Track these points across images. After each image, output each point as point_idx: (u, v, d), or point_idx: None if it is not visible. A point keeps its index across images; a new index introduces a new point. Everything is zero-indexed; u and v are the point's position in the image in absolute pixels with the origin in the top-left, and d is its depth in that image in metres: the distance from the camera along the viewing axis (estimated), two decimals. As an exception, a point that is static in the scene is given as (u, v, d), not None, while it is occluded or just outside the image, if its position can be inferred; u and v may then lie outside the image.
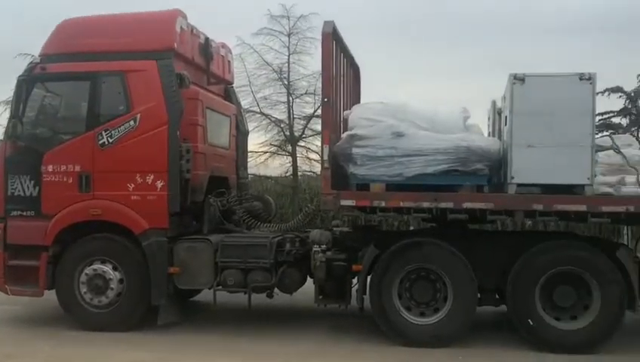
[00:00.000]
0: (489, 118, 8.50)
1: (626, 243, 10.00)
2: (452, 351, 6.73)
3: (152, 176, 7.40)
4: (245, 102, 14.45)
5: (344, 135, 7.27)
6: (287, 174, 16.28)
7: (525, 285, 6.79)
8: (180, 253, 7.45)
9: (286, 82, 15.62)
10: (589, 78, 6.53)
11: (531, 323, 6.75)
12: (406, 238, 7.20)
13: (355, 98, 8.77)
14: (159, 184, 7.38)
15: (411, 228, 11.30)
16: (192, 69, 8.03)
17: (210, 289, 7.57)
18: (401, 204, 6.88)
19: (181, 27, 7.72)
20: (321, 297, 7.40)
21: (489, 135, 8.15)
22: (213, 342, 7.14)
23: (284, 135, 15.94)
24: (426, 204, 6.81)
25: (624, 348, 6.83)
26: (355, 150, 6.96)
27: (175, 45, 7.60)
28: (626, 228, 11.08)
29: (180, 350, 6.82)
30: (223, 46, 9.17)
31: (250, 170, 12.59)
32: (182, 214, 7.62)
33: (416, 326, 6.98)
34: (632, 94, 23.52)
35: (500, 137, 7.51)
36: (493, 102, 8.16)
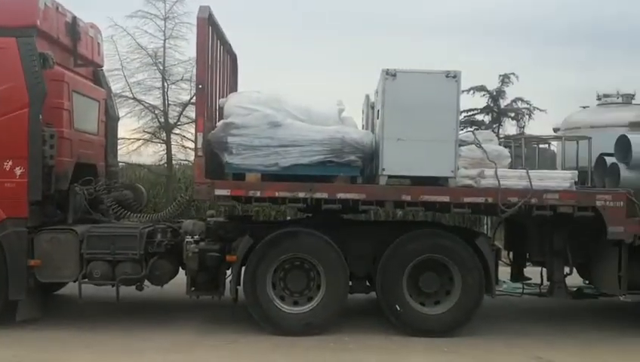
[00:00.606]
0: (363, 112, 8.74)
1: (485, 232, 10.71)
2: (324, 338, 6.88)
3: (10, 162, 6.90)
4: (117, 86, 13.87)
5: (219, 123, 7.17)
6: (162, 162, 15.85)
7: (393, 272, 7.06)
8: (42, 244, 7.01)
9: (161, 67, 15.17)
10: (454, 76, 6.89)
11: (398, 308, 7.05)
12: (281, 228, 7.25)
13: (231, 86, 8.67)
14: (18, 171, 6.90)
15: (288, 218, 11.39)
16: (57, 49, 7.54)
17: (75, 282, 7.19)
18: (277, 194, 6.91)
19: (45, 3, 7.23)
20: (193, 289, 7.26)
21: (363, 128, 8.38)
22: (74, 338, 6.79)
23: (159, 122, 15.49)
24: (301, 194, 6.88)
25: (483, 330, 7.31)
26: (230, 139, 6.88)
27: (37, 22, 7.11)
28: (486, 218, 11.86)
29: (39, 347, 6.43)
30: (92, 26, 8.69)
31: (121, 158, 12.07)
32: (44, 203, 7.15)
33: (290, 315, 7.05)
34: (494, 93, 25.32)
35: (372, 130, 7.75)
36: (367, 97, 8.40)
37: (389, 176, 6.98)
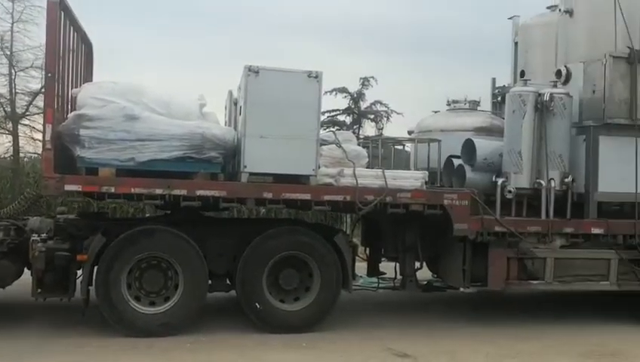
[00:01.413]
0: (226, 108, 8.65)
1: (345, 229, 11.05)
2: (181, 338, 6.72)
3: None
4: (-46, 71, 12.62)
5: (71, 115, 6.76)
6: (7, 155, 14.68)
7: (254, 270, 7.06)
8: None
9: (8, 52, 14.04)
10: (316, 76, 7.02)
11: (258, 306, 7.05)
12: (136, 226, 6.97)
13: (86, 76, 8.20)
14: None
15: (147, 215, 11.00)
16: None
17: None
18: (133, 191, 6.63)
19: None
20: (39, 291, 6.78)
21: (225, 124, 8.29)
22: None
23: (4, 111, 14.33)
24: (158, 191, 6.66)
25: (341, 324, 7.51)
26: (83, 131, 6.51)
27: None
28: (345, 215, 12.22)
29: None
30: None
31: (-42, 149, 11.00)
32: None
33: (146, 316, 6.81)
34: (355, 95, 26.22)
35: (235, 127, 7.69)
36: (230, 93, 8.32)
37: (251, 174, 6.96)
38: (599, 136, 7.91)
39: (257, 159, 6.90)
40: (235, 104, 7.89)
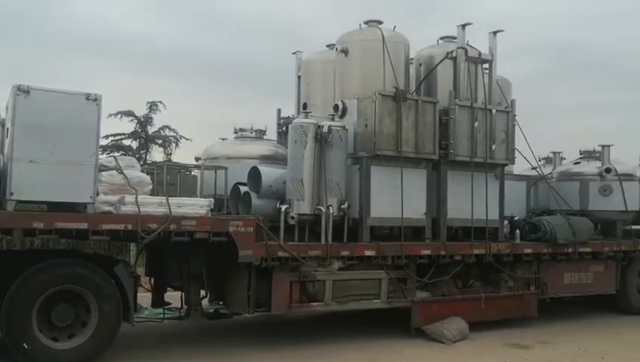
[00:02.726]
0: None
1: (129, 258, 10.56)
2: None
3: None
4: None
5: None
6: None
7: (22, 306, 6.43)
8: None
9: None
10: (95, 99, 6.71)
11: (26, 346, 6.42)
12: None
13: None
14: None
15: None
16: None
17: None
18: None
19: None
20: None
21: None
22: None
23: None
24: None
25: (124, 360, 7.15)
26: None
27: None
28: (130, 244, 11.69)
29: None
30: None
31: None
32: None
33: None
34: (142, 119, 25.43)
35: (2, 150, 6.99)
36: (-5, 113, 7.56)
37: (20, 201, 6.38)
38: (371, 166, 8.62)
39: (27, 186, 6.36)
40: (3, 125, 7.19)
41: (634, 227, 11.56)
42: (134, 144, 25.73)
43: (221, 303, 9.07)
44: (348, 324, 9.51)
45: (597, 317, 10.85)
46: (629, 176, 11.27)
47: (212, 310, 9.03)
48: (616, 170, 11.05)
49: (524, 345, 8.58)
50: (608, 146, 11.37)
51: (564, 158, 12.78)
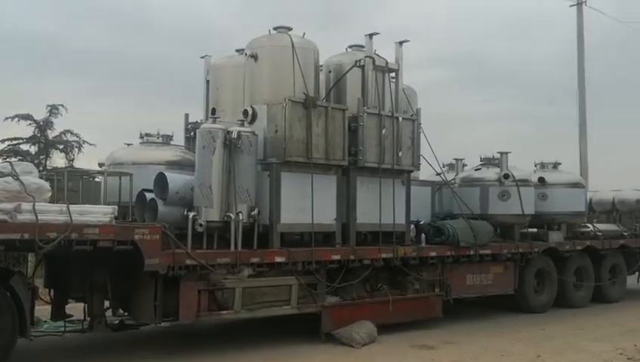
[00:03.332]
0: None
1: (26, 270, 10.02)
2: None
3: None
4: None
5: None
6: None
7: None
8: None
9: None
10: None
11: None
12: None
13: None
14: None
15: None
16: None
17: None
18: None
19: None
20: None
21: None
22: None
23: None
24: None
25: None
26: None
27: None
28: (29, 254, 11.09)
29: None
30: None
31: None
32: None
33: None
34: (42, 123, 24.16)
35: None
36: None
37: None
38: (281, 172, 8.62)
39: None
40: None
41: (530, 230, 12.26)
42: (33, 149, 24.41)
43: (126, 314, 8.77)
44: (258, 331, 9.44)
45: (497, 316, 11.36)
46: (525, 182, 11.91)
47: (117, 321, 8.70)
48: (513, 176, 11.64)
49: (430, 345, 8.84)
50: (506, 153, 11.98)
51: (466, 165, 13.32)
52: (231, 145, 8.23)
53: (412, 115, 10.32)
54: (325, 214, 8.94)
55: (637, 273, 14.65)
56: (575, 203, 12.99)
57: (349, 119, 9.27)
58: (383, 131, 9.48)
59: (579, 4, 23.54)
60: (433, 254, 10.18)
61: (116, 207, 7.65)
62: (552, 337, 9.61)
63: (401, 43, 10.12)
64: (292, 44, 9.04)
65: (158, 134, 9.88)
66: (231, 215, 8.12)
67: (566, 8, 23.67)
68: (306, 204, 8.70)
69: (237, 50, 10.52)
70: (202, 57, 11.14)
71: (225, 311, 8.15)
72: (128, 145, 10.05)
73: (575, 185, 13.23)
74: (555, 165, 13.47)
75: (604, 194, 15.61)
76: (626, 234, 14.30)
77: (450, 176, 12.33)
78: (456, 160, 13.44)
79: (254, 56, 9.22)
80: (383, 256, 9.45)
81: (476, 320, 10.89)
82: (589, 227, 13.74)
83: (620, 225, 14.95)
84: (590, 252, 13.03)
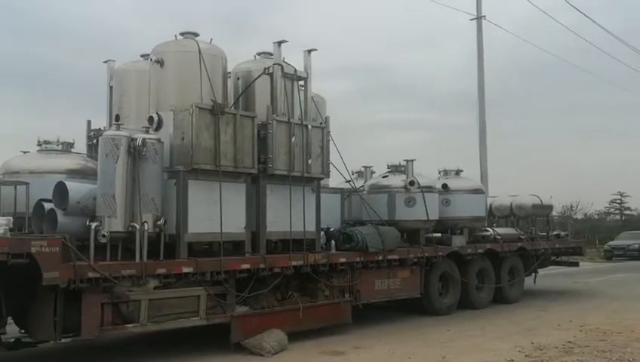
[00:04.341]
0: None
1: None
2: None
3: None
4: None
5: None
6: None
7: None
8: None
9: None
10: None
11: None
12: None
13: None
14: None
15: None
16: None
17: None
18: None
19: None
20: None
21: None
22: None
23: None
24: None
25: None
26: None
27: None
28: None
29: None
30: None
31: None
32: None
33: None
34: None
35: None
36: None
37: None
38: (188, 180, 8.45)
39: None
40: None
41: (435, 234, 12.67)
42: None
43: (23, 331, 8.28)
44: (167, 344, 9.19)
45: (405, 319, 11.64)
46: (430, 189, 12.31)
47: (12, 339, 8.19)
48: (419, 183, 12.00)
49: (340, 351, 8.92)
50: (412, 161, 12.34)
51: (375, 172, 13.62)
52: (135, 152, 7.98)
53: (321, 122, 10.42)
54: (234, 223, 8.84)
55: (533, 274, 15.49)
56: (476, 208, 13.56)
57: (259, 126, 9.24)
58: (293, 139, 9.52)
59: (478, 19, 24.71)
60: (343, 260, 10.30)
61: (11, 218, 7.21)
62: (456, 338, 9.96)
63: (309, 51, 10.20)
64: (199, 49, 8.90)
65: (58, 141, 9.43)
66: (136, 225, 7.86)
67: (468, 22, 24.81)
68: (215, 212, 8.57)
69: (142, 56, 10.24)
70: (105, 62, 10.77)
71: (130, 325, 7.86)
72: (25, 152, 9.53)
73: (476, 191, 13.82)
74: (457, 172, 14.01)
75: (502, 199, 16.40)
76: (523, 237, 15.07)
77: (359, 184, 12.56)
78: (365, 167, 13.71)
79: (160, 62, 8.99)
80: (294, 263, 9.45)
81: (385, 324, 11.12)
82: (489, 231, 14.38)
83: (518, 228, 15.76)
84: (490, 255, 13.63)
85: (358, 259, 10.53)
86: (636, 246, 31.72)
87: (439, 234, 12.95)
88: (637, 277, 21.52)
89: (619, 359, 8.09)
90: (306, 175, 9.75)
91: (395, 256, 11.21)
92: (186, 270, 8.21)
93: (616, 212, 65.06)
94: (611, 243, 33.57)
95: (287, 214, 9.43)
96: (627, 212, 64.05)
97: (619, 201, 65.14)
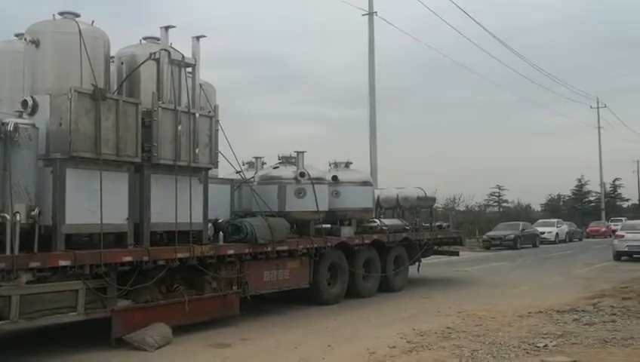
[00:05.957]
0: None
1: None
2: None
3: None
4: None
5: None
6: None
7: None
8: None
9: None
10: None
11: None
12: None
13: None
14: None
15: None
16: None
17: None
18: None
19: None
20: None
21: None
22: None
23: None
24: None
25: None
26: None
27: None
28: None
29: None
30: None
31: None
32: None
33: None
34: None
35: None
36: None
37: None
38: (66, 168, 8.01)
39: None
40: None
41: (324, 225, 12.83)
42: None
43: None
44: (44, 341, 8.69)
45: (293, 310, 11.72)
46: (320, 180, 12.44)
47: None
48: (309, 175, 12.09)
49: (226, 343, 8.82)
50: (302, 153, 12.41)
51: (265, 163, 13.57)
52: (7, 138, 7.44)
53: (210, 111, 10.20)
54: (116, 213, 8.48)
55: (417, 263, 16.11)
56: (364, 200, 13.87)
57: (143, 114, 8.90)
58: (179, 127, 9.26)
59: (370, 15, 25.27)
60: (231, 252, 10.18)
61: None
62: (342, 326, 10.15)
63: (198, 38, 9.96)
64: (79, 31, 8.43)
65: None
66: (6, 215, 7.33)
67: (360, 18, 25.30)
68: (95, 202, 8.18)
69: (16, 35, 9.56)
70: (-23, 42, 9.95)
71: (1, 322, 7.35)
72: None
73: (364, 183, 14.13)
74: (347, 164, 14.24)
75: (389, 191, 16.91)
76: (408, 228, 15.62)
77: (249, 175, 12.46)
78: (256, 158, 13.62)
79: (35, 42, 8.44)
80: (179, 255, 9.22)
81: (273, 315, 11.13)
82: (376, 222, 14.78)
83: (403, 219, 16.32)
84: (377, 245, 14.01)
85: (246, 251, 10.46)
86: (512, 236, 33.93)
87: (329, 226, 13.13)
88: (512, 265, 23.00)
89: (491, 342, 8.56)
90: (193, 165, 9.51)
91: (285, 247, 11.24)
92: (62, 263, 7.78)
93: (495, 204, 69.24)
94: (489, 233, 35.68)
95: (173, 205, 9.18)
96: (505, 204, 68.35)
97: (497, 194, 69.35)
